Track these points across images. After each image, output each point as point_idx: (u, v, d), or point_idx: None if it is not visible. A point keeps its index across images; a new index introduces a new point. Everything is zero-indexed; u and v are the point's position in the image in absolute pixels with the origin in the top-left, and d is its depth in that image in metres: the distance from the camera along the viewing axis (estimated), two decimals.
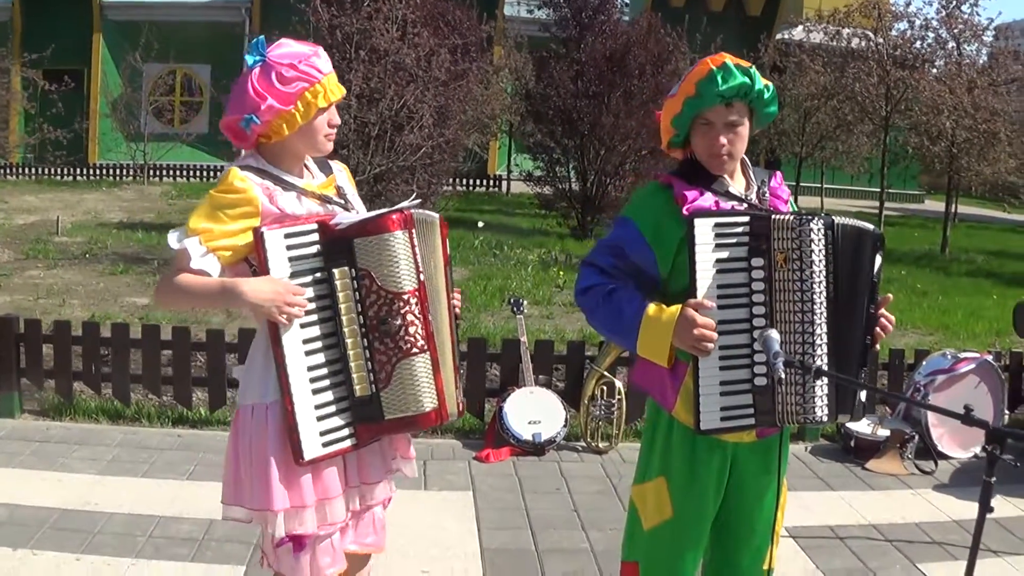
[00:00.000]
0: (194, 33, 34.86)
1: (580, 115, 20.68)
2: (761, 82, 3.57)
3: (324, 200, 3.51)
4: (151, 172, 30.73)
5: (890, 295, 3.74)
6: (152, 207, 23.70)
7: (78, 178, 30.62)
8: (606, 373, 7.83)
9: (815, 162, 32.88)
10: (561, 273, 15.48)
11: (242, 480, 3.39)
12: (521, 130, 25.56)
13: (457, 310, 3.75)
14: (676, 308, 3.41)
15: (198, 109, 36.33)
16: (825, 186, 34.34)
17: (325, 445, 3.32)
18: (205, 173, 32.35)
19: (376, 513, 3.73)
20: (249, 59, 3.37)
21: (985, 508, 2.80)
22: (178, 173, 32.06)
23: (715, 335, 3.37)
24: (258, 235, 3.25)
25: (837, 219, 3.53)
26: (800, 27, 29.86)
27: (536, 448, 7.56)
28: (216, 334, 8.12)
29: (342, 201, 3.57)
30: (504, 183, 34.48)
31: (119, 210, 22.70)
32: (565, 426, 7.74)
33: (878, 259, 3.62)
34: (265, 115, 3.31)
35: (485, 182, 35.00)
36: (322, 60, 3.42)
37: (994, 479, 2.81)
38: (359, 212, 3.56)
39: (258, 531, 5.71)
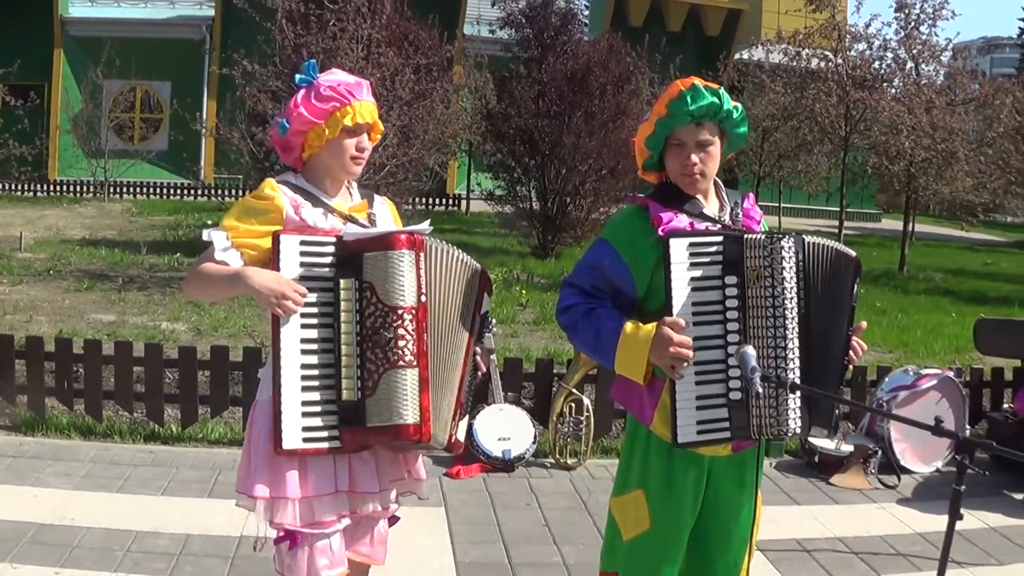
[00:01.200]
0: (155, 50, 34.81)
1: (541, 135, 20.72)
2: (730, 103, 3.71)
3: (349, 220, 3.69)
4: (111, 189, 30.63)
5: (864, 323, 3.86)
6: (113, 224, 23.62)
7: (38, 194, 30.49)
8: (574, 390, 7.90)
9: (773, 181, 33.14)
10: (524, 292, 15.50)
11: (246, 469, 3.59)
12: (482, 149, 25.62)
13: (480, 361, 3.94)
14: (652, 326, 3.50)
15: (158, 126, 36.23)
16: (783, 205, 34.61)
17: (305, 440, 3.47)
18: (165, 190, 32.25)
19: (379, 527, 3.88)
20: (298, 79, 3.69)
21: (955, 515, 2.91)
22: (138, 190, 31.96)
23: (691, 352, 3.47)
24: (275, 238, 3.50)
25: (808, 238, 3.65)
26: (760, 47, 30.05)
27: (506, 464, 7.64)
28: (188, 351, 8.17)
29: (367, 224, 3.73)
30: (464, 202, 34.56)
31: (80, 227, 22.61)
32: (534, 443, 7.83)
33: (856, 283, 3.76)
34: (296, 123, 3.61)
35: (445, 201, 35.08)
36: (362, 90, 3.69)
37: (963, 487, 2.93)
38: (371, 228, 3.71)
39: (234, 546, 5.80)
